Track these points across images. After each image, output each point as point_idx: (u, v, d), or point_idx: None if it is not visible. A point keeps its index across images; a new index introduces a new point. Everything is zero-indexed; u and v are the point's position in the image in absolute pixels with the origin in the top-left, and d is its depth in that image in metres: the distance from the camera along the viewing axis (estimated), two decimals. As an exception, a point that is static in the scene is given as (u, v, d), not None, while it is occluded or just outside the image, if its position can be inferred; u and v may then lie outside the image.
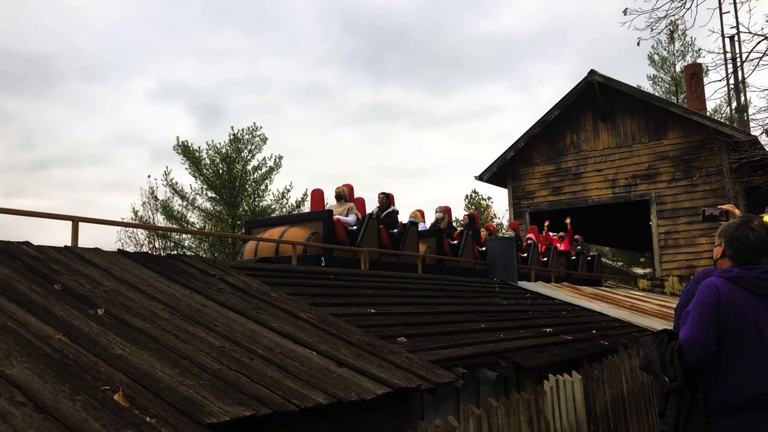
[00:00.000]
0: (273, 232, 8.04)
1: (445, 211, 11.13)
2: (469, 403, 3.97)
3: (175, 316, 3.71)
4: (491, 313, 6.83)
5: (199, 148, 25.14)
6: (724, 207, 3.49)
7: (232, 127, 26.39)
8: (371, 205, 9.64)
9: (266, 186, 25.82)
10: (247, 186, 25.38)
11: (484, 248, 11.15)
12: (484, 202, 33.98)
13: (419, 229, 9.99)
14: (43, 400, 2.30)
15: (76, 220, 5.09)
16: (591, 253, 16.52)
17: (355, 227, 8.43)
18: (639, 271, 29.93)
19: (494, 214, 33.45)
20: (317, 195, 9.41)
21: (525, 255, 12.22)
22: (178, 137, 25.78)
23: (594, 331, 7.04)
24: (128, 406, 2.39)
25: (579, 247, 15.61)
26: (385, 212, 9.34)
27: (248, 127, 25.74)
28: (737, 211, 3.35)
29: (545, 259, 13.27)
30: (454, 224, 11.63)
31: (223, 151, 25.20)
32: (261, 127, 26.00)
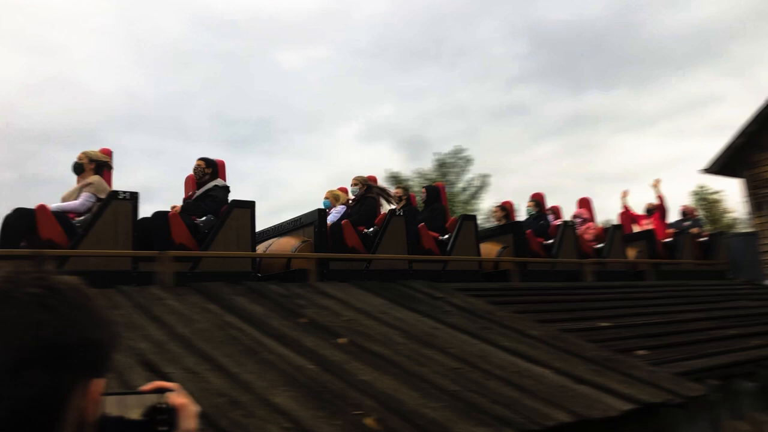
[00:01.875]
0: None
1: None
2: (728, 418, 3.63)
3: (410, 341, 3.87)
4: (740, 318, 6.18)
5: (408, 177, 26.16)
6: None
7: (437, 153, 27.08)
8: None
9: (475, 206, 26.05)
10: (455, 207, 25.80)
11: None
12: (713, 196, 30.95)
13: (336, 211, 6.85)
14: (305, 425, 2.53)
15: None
16: (701, 230, 10.99)
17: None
18: None
19: (727, 208, 30.24)
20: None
21: (550, 242, 7.97)
22: (388, 170, 27.08)
23: None
24: (381, 429, 2.54)
25: (688, 223, 10.75)
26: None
27: (452, 150, 26.28)
28: None
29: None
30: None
31: (430, 177, 25.94)
32: (466, 149, 26.43)
